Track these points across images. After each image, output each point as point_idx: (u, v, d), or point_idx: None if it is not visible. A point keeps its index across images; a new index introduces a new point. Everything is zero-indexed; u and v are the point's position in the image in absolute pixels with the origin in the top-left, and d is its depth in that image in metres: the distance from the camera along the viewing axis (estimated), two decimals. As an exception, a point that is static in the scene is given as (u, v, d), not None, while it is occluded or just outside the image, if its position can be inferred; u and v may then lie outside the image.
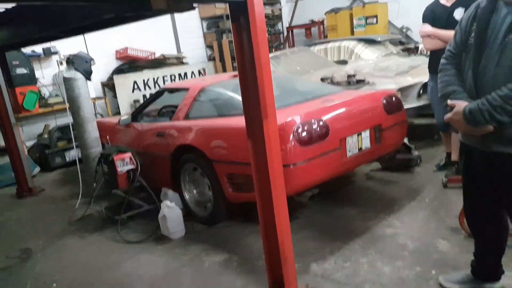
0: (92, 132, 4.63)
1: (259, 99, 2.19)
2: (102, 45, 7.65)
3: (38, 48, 6.97)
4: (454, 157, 3.95)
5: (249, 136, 2.33)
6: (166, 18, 9.10)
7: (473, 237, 2.36)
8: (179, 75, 8.39)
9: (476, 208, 2.24)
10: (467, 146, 2.10)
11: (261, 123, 2.22)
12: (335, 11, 9.80)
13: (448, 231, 3.02)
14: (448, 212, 3.28)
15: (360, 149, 3.39)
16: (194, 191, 3.83)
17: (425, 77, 4.61)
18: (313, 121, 3.09)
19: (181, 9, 2.10)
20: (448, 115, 2.00)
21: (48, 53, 7.11)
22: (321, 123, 3.12)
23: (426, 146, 4.96)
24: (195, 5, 2.10)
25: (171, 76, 8.25)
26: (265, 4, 10.01)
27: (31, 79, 6.64)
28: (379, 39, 7.19)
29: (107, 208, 4.19)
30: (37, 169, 6.42)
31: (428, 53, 4.25)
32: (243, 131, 2.38)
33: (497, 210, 2.13)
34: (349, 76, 5.06)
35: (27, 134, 6.99)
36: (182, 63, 8.89)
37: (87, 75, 4.57)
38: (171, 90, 4.47)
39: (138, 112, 4.56)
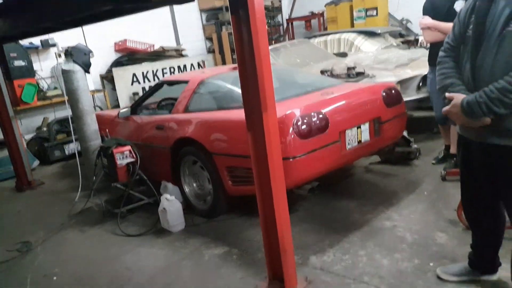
0: (91, 125, 4.62)
1: (258, 92, 2.18)
2: (101, 37, 7.61)
3: (36, 40, 6.93)
4: (453, 150, 3.95)
5: (249, 128, 2.33)
6: (165, 10, 9.04)
7: (471, 230, 2.38)
8: (178, 67, 8.36)
9: (473, 200, 2.24)
10: (465, 138, 2.10)
11: (260, 116, 2.21)
12: (335, 3, 9.75)
13: (446, 224, 3.03)
14: (447, 204, 3.29)
15: (359, 141, 3.39)
16: (194, 184, 3.83)
17: (424, 69, 4.61)
18: (312, 114, 3.08)
19: (181, 1, 2.09)
20: (446, 108, 2.00)
21: (46, 45, 7.07)
22: (320, 116, 3.11)
23: (425, 139, 4.96)
24: (194, -4, 2.09)
25: (170, 68, 8.21)
26: (264, -4, 9.93)
27: (29, 71, 6.61)
28: (379, 31, 7.16)
29: (107, 201, 4.19)
30: (36, 162, 6.42)
31: (428, 45, 4.24)
32: (243, 123, 2.38)
33: (495, 203, 2.14)
34: (348, 69, 5.05)
35: (26, 127, 6.98)
36: (181, 55, 8.86)
37: (86, 67, 4.55)
38: (171, 83, 4.46)
39: (137, 105, 4.55)
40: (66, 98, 4.74)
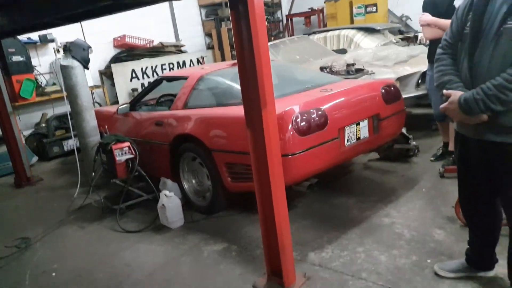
0: (90, 121, 4.61)
1: (258, 88, 2.18)
2: (100, 33, 7.58)
3: (34, 35, 6.90)
4: (452, 147, 3.96)
5: (248, 125, 2.33)
6: (164, 6, 9.01)
7: (468, 226, 2.39)
8: (178, 63, 8.33)
9: (471, 197, 2.26)
10: (462, 135, 2.11)
11: (260, 112, 2.22)
12: (335, -1, 9.74)
13: (444, 221, 3.05)
14: (445, 201, 3.31)
15: (358, 138, 3.40)
16: (193, 181, 3.84)
17: (423, 66, 4.61)
18: (312, 111, 3.08)
19: (181, -4, 2.08)
20: (443, 104, 2.01)
21: (44, 40, 7.03)
22: (320, 112, 3.11)
23: (424, 136, 4.97)
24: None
25: (169, 64, 8.19)
26: (264, -8, 9.90)
27: (27, 67, 6.59)
28: (378, 28, 7.15)
29: (106, 197, 4.20)
30: (35, 158, 6.41)
31: (427, 42, 4.23)
32: (242, 120, 2.38)
33: (492, 200, 2.15)
34: (348, 65, 5.04)
35: (25, 123, 6.96)
36: (181, 51, 8.83)
37: (85, 63, 4.53)
38: (170, 79, 4.45)
39: (136, 101, 4.54)
40: (65, 94, 4.73)
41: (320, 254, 2.84)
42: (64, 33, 6.21)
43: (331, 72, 5.02)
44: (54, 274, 3.10)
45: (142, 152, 3.91)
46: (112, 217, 3.84)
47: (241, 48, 2.20)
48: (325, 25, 10.05)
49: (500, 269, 2.31)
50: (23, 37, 6.64)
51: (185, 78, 4.06)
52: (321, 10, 10.33)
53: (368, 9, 9.08)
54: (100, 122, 4.72)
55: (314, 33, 7.69)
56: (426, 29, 3.71)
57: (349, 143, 3.32)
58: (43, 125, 6.80)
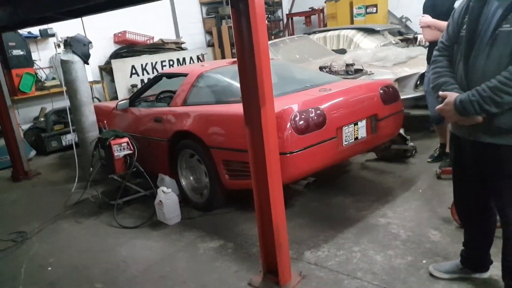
0: (89, 116, 4.61)
1: (257, 86, 2.19)
2: (100, 28, 7.58)
3: (35, 30, 6.88)
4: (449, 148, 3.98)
5: (247, 123, 2.34)
6: (165, 2, 9.00)
7: (463, 228, 2.41)
8: (178, 60, 8.32)
9: (466, 198, 2.27)
10: (457, 137, 2.13)
11: (258, 110, 2.22)
12: (336, -1, 9.75)
13: (440, 222, 3.06)
14: (441, 202, 3.32)
15: (356, 138, 3.41)
16: (191, 178, 3.85)
17: (422, 68, 4.62)
18: (310, 110, 3.09)
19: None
20: (439, 106, 2.03)
21: (45, 34, 7.02)
22: (318, 111, 3.12)
23: (422, 137, 4.99)
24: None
25: (169, 61, 8.18)
26: (265, -10, 9.90)
27: (27, 61, 6.58)
28: (378, 28, 7.17)
29: (103, 193, 4.20)
30: (33, 152, 6.41)
31: (427, 44, 4.24)
32: (241, 118, 2.39)
33: (487, 201, 2.17)
34: (347, 65, 5.06)
35: (23, 117, 6.95)
36: (181, 48, 8.81)
37: (85, 58, 4.53)
38: (169, 76, 4.45)
39: (136, 97, 4.55)
40: (64, 88, 4.73)
41: (316, 253, 2.85)
42: (64, 28, 6.21)
43: (330, 72, 5.03)
44: (49, 268, 3.10)
45: (141, 148, 3.92)
46: (109, 212, 3.85)
47: (241, 46, 2.21)
48: (325, 25, 10.06)
49: (494, 271, 2.32)
50: (23, 31, 6.63)
51: (185, 75, 4.07)
52: (322, 10, 10.34)
53: (368, 10, 9.09)
54: (99, 118, 4.72)
55: (314, 32, 7.71)
56: (426, 30, 3.72)
57: (346, 142, 3.33)
58: (42, 119, 6.80)
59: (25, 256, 3.32)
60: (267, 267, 2.54)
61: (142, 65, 7.82)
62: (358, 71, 4.98)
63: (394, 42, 7.06)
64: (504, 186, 1.98)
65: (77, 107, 4.56)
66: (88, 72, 5.57)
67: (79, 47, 4.47)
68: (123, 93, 7.47)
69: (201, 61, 8.63)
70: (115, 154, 3.77)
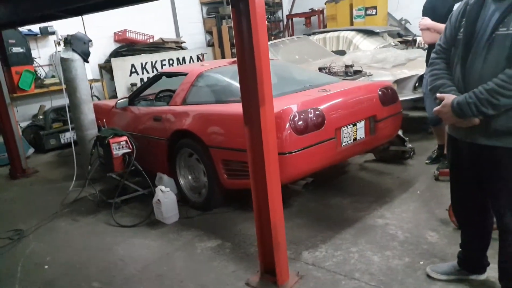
0: (88, 114, 4.61)
1: (256, 86, 2.20)
2: (100, 27, 7.57)
3: (35, 27, 6.88)
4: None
5: (246, 122, 2.34)
6: (165, 2, 9.01)
7: (460, 229, 2.42)
8: (178, 59, 8.33)
9: (463, 200, 2.28)
10: (454, 138, 2.14)
11: (258, 110, 2.23)
12: (335, 0, 9.76)
13: (438, 223, 3.07)
14: (439, 204, 3.33)
15: (354, 139, 3.42)
16: (189, 177, 3.85)
17: (421, 69, 4.63)
18: (309, 110, 3.10)
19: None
20: (437, 108, 2.04)
21: (45, 32, 7.01)
22: (317, 112, 3.13)
23: (420, 139, 5.00)
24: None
25: (169, 60, 8.19)
26: (265, -9, 9.90)
27: (27, 58, 6.57)
28: (377, 30, 7.19)
29: (101, 191, 4.20)
30: (31, 150, 6.40)
31: (426, 46, 4.26)
32: (240, 117, 2.39)
33: (483, 203, 2.17)
34: (346, 67, 5.07)
35: (22, 115, 6.95)
36: (181, 47, 8.82)
37: (85, 56, 4.53)
38: (169, 75, 4.46)
39: (135, 96, 4.55)
40: (64, 86, 4.73)
41: (314, 253, 2.85)
42: (65, 26, 6.20)
43: (330, 72, 5.04)
44: (46, 266, 3.09)
45: (140, 147, 3.92)
46: (107, 211, 3.84)
47: (241, 46, 2.21)
48: (325, 26, 10.07)
49: (491, 273, 2.32)
50: (23, 29, 6.63)
51: (185, 74, 4.07)
52: (322, 11, 10.35)
53: (368, 12, 9.11)
54: (98, 116, 4.71)
55: (314, 33, 7.72)
56: (425, 33, 3.73)
57: (345, 143, 3.34)
58: (41, 117, 6.79)
59: (22, 254, 3.31)
60: (265, 267, 2.54)
61: (142, 64, 7.83)
62: (357, 73, 4.99)
63: (393, 44, 7.08)
64: (500, 188, 1.99)
65: (76, 105, 4.56)
66: (87, 71, 5.57)
67: (79, 45, 4.47)
68: (122, 92, 7.47)
69: (201, 60, 8.64)
70: (114, 152, 3.77)
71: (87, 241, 3.42)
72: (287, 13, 11.27)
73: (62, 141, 6.54)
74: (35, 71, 6.82)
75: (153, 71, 7.82)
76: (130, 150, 3.83)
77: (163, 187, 3.56)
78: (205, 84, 3.94)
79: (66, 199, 4.30)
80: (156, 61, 8.00)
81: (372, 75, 4.94)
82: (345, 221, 3.26)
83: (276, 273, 2.46)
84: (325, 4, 10.03)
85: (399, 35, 8.50)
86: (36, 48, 7.14)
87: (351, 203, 3.56)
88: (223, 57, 8.95)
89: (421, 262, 2.60)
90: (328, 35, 7.29)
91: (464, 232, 2.36)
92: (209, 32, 9.99)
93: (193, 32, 9.74)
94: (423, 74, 4.28)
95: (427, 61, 3.96)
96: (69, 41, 4.45)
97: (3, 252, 3.39)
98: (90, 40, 4.68)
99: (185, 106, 3.79)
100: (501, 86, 1.79)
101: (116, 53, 8.09)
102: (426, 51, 4.11)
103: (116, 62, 7.61)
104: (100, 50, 7.75)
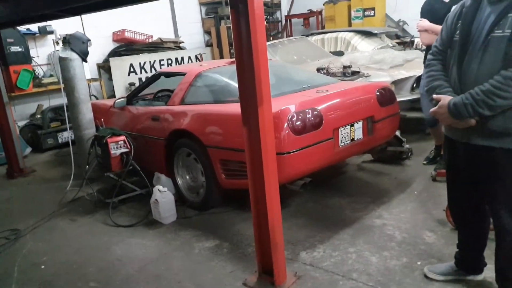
0: (87, 114, 4.60)
1: (255, 86, 2.20)
2: (99, 27, 7.56)
3: (34, 27, 6.86)
4: (444, 151, 4.00)
5: (244, 122, 2.35)
6: (164, 2, 9.01)
7: (457, 229, 2.43)
8: (176, 59, 8.33)
9: (459, 201, 2.29)
10: (451, 139, 2.16)
11: (256, 110, 2.23)
12: (334, 2, 9.79)
13: (435, 223, 3.08)
14: (436, 204, 3.34)
15: (352, 139, 3.42)
16: (187, 177, 3.84)
17: (419, 70, 4.64)
18: (307, 111, 3.11)
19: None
20: (433, 108, 2.06)
21: (43, 32, 7.00)
22: (315, 112, 3.13)
23: (418, 139, 5.01)
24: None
25: (167, 60, 8.19)
26: (264, -9, 9.92)
27: (25, 57, 6.55)
28: (375, 31, 7.21)
29: (99, 191, 4.19)
30: (29, 149, 6.38)
31: (423, 47, 4.27)
32: (239, 117, 2.40)
33: (480, 203, 2.19)
34: (344, 67, 5.08)
35: (20, 114, 6.92)
36: (179, 47, 8.82)
37: (83, 56, 4.53)
38: (168, 74, 4.46)
39: (133, 95, 4.54)
40: (62, 85, 4.72)
41: (312, 253, 2.85)
42: (63, 25, 6.19)
43: (328, 73, 5.05)
44: (43, 266, 3.08)
45: (137, 147, 3.91)
46: (105, 211, 3.84)
47: (239, 46, 2.22)
48: (323, 27, 10.10)
49: (488, 273, 2.33)
50: (22, 28, 6.61)
51: (183, 74, 4.07)
52: (320, 12, 10.37)
53: (366, 13, 9.15)
54: (96, 115, 4.71)
55: (312, 34, 7.73)
56: (423, 34, 3.74)
57: (343, 143, 3.35)
58: (39, 116, 6.77)
59: (19, 254, 3.30)
60: (263, 267, 2.55)
61: (140, 63, 7.83)
62: (355, 73, 5.00)
63: (391, 45, 7.11)
64: (497, 189, 2.00)
65: (75, 104, 4.55)
66: (86, 70, 5.56)
67: (78, 44, 4.47)
68: (120, 91, 7.47)
69: (199, 60, 8.64)
70: (112, 152, 3.77)
71: (85, 241, 3.41)
72: (286, 14, 11.29)
73: (60, 141, 6.52)
74: (33, 70, 6.80)
75: (151, 71, 7.82)
76: (128, 150, 3.83)
77: (161, 187, 3.56)
78: (203, 84, 3.94)
79: (64, 199, 4.29)
80: (154, 61, 8.00)
81: (370, 76, 4.95)
82: (343, 221, 3.27)
83: (274, 274, 2.46)
84: (323, 5, 10.06)
85: (397, 36, 8.53)
86: (34, 48, 7.12)
87: (349, 204, 3.57)
88: (221, 57, 8.96)
89: (419, 263, 2.61)
90: (327, 36, 7.30)
91: (461, 232, 2.37)
92: (207, 32, 9.99)
93: (192, 32, 9.73)
94: (421, 75, 4.29)
95: (425, 62, 3.97)
96: (68, 41, 4.45)
97: (0, 252, 3.38)
98: (89, 40, 4.67)
99: (183, 106, 3.79)
100: (497, 87, 1.81)
101: (114, 53, 8.09)
102: (424, 52, 4.12)
103: (114, 62, 7.60)
104: (98, 50, 7.74)
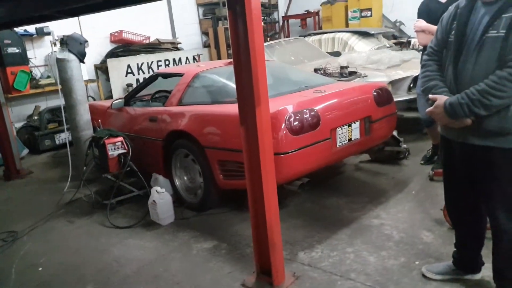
0: (84, 115, 4.60)
1: (252, 87, 2.20)
2: (96, 27, 7.56)
3: (31, 28, 6.85)
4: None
5: (242, 123, 2.35)
6: (162, 3, 8.99)
7: (454, 229, 2.43)
8: (174, 60, 8.33)
9: (456, 200, 2.30)
10: (447, 139, 2.17)
11: (254, 111, 2.23)
12: (331, 2, 9.81)
13: (433, 223, 3.08)
14: (433, 204, 3.35)
15: (350, 139, 3.43)
16: (185, 178, 3.84)
17: (415, 71, 4.66)
18: (305, 111, 3.11)
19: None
20: (429, 108, 2.07)
21: (41, 33, 6.99)
22: (312, 113, 3.14)
23: (415, 139, 5.02)
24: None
25: (165, 61, 8.18)
26: (261, -8, 9.92)
27: (23, 59, 6.54)
28: (372, 32, 7.22)
29: (96, 192, 4.19)
30: (26, 151, 6.37)
31: (420, 47, 4.28)
32: (236, 118, 2.40)
33: (476, 203, 2.19)
34: (341, 68, 5.08)
35: (17, 115, 6.91)
36: (177, 48, 8.82)
37: (81, 57, 4.52)
38: (165, 75, 4.46)
39: (131, 96, 4.54)
40: (59, 87, 4.71)
41: (310, 253, 2.86)
42: (61, 27, 6.18)
43: (325, 74, 5.05)
44: (40, 268, 3.07)
45: (135, 148, 3.91)
46: (102, 212, 3.83)
47: (237, 47, 2.22)
48: (320, 28, 10.11)
49: (486, 272, 2.34)
50: (19, 29, 6.58)
51: (181, 75, 4.07)
52: (317, 13, 10.39)
53: (363, 14, 9.16)
54: (94, 116, 4.70)
55: (310, 35, 7.74)
56: (420, 35, 3.75)
57: (340, 144, 3.35)
58: (36, 117, 6.75)
59: (16, 256, 3.29)
60: (261, 268, 2.55)
61: (137, 64, 7.81)
62: (352, 74, 5.01)
63: (388, 46, 7.12)
64: (494, 188, 2.01)
65: (72, 105, 4.55)
66: (83, 71, 5.55)
67: (75, 45, 4.46)
68: (118, 92, 7.45)
69: (197, 61, 8.64)
70: (109, 153, 3.76)
71: (82, 243, 3.40)
72: (283, 15, 11.31)
73: (57, 142, 6.51)
74: (31, 72, 6.78)
75: (149, 72, 7.81)
76: (125, 151, 3.82)
77: (158, 188, 3.56)
78: (201, 84, 3.94)
79: (61, 201, 4.27)
80: (152, 62, 7.99)
81: (367, 76, 4.96)
82: (340, 221, 3.27)
83: (272, 274, 2.47)
84: (320, 5, 10.07)
85: (394, 37, 8.55)
86: (31, 49, 7.10)
87: (346, 204, 3.58)
88: (219, 58, 8.96)
89: (417, 262, 2.62)
90: (324, 36, 7.32)
91: (458, 232, 2.38)
92: (205, 33, 9.99)
93: (189, 33, 9.74)
94: (418, 75, 4.31)
95: (421, 62, 3.99)
96: (65, 42, 4.44)
97: (-3, 253, 3.38)
98: (86, 41, 4.67)
99: (181, 107, 3.79)
100: (492, 87, 1.82)
101: (112, 54, 8.07)
102: (421, 52, 4.13)
103: (112, 63, 7.59)
104: (96, 51, 7.73)
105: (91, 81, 7.63)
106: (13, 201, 4.64)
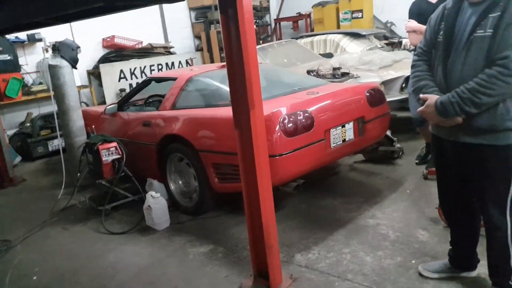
0: (77, 121, 4.57)
1: (246, 90, 2.21)
2: (89, 33, 7.52)
3: (22, 35, 6.81)
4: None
5: (236, 126, 2.35)
6: (154, 8, 8.98)
7: (449, 227, 2.45)
8: (166, 64, 8.31)
9: (449, 198, 2.32)
10: (438, 137, 2.19)
11: (247, 114, 2.24)
12: (322, 4, 9.86)
13: (428, 222, 3.10)
14: (428, 203, 3.36)
15: (344, 140, 3.44)
16: (180, 182, 3.83)
17: (407, 71, 4.67)
18: (298, 113, 3.12)
19: (171, 0, 2.10)
20: (420, 108, 2.09)
21: (32, 39, 6.95)
22: (306, 114, 3.15)
23: (408, 139, 5.04)
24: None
25: (158, 65, 8.17)
26: (252, -5, 9.95)
27: (14, 66, 6.47)
28: (364, 33, 7.27)
29: (91, 198, 4.16)
30: (18, 158, 6.32)
31: (411, 47, 4.31)
32: (230, 121, 2.40)
33: (469, 201, 2.21)
34: (334, 69, 5.11)
35: (9, 123, 6.84)
36: (170, 52, 8.81)
37: (73, 63, 4.50)
38: (158, 80, 4.45)
39: (124, 101, 4.52)
40: (52, 93, 4.68)
41: (307, 255, 2.86)
42: (52, 33, 6.14)
43: (318, 75, 5.08)
44: (35, 277, 3.04)
45: (129, 153, 3.89)
46: (97, 218, 3.80)
47: (230, 50, 2.23)
48: (312, 30, 10.16)
49: (482, 269, 2.35)
50: (10, 36, 6.54)
51: (174, 79, 4.06)
52: (309, 15, 10.43)
53: (354, 15, 9.23)
54: (87, 122, 4.67)
55: (302, 37, 7.78)
56: (412, 35, 3.78)
57: (335, 144, 3.36)
58: (28, 124, 6.70)
59: (10, 265, 3.25)
60: (258, 270, 2.54)
61: (130, 69, 7.79)
62: (345, 75, 5.04)
63: (379, 46, 7.17)
64: (486, 186, 2.03)
65: (65, 112, 4.52)
66: (76, 77, 5.52)
67: (67, 51, 4.44)
68: (111, 98, 7.42)
69: (190, 65, 8.63)
70: (103, 159, 3.74)
71: (77, 250, 3.38)
72: (275, 17, 11.34)
73: (50, 149, 6.46)
74: (23, 78, 6.72)
75: (142, 77, 7.79)
76: (119, 156, 3.81)
77: (153, 193, 3.54)
78: (194, 88, 3.94)
79: (55, 208, 4.24)
80: (145, 66, 7.98)
81: (359, 77, 4.99)
82: (336, 222, 3.28)
83: (269, 276, 2.46)
84: (312, 8, 10.11)
85: (385, 37, 8.61)
86: (23, 55, 7.05)
87: (342, 204, 3.58)
88: (212, 61, 8.97)
89: (413, 261, 2.63)
90: (316, 38, 7.35)
91: (453, 230, 2.40)
92: (197, 37, 10.00)
93: (182, 37, 9.73)
94: (410, 75, 4.33)
95: (413, 62, 4.01)
96: (58, 48, 4.42)
97: (-9, 262, 3.34)
98: (79, 47, 4.65)
99: (174, 111, 3.78)
100: (482, 85, 1.85)
101: (104, 59, 8.04)
102: (413, 52, 4.16)
103: (104, 68, 7.56)
104: (88, 56, 7.69)
105: (84, 86, 7.59)
106: (6, 209, 4.60)
